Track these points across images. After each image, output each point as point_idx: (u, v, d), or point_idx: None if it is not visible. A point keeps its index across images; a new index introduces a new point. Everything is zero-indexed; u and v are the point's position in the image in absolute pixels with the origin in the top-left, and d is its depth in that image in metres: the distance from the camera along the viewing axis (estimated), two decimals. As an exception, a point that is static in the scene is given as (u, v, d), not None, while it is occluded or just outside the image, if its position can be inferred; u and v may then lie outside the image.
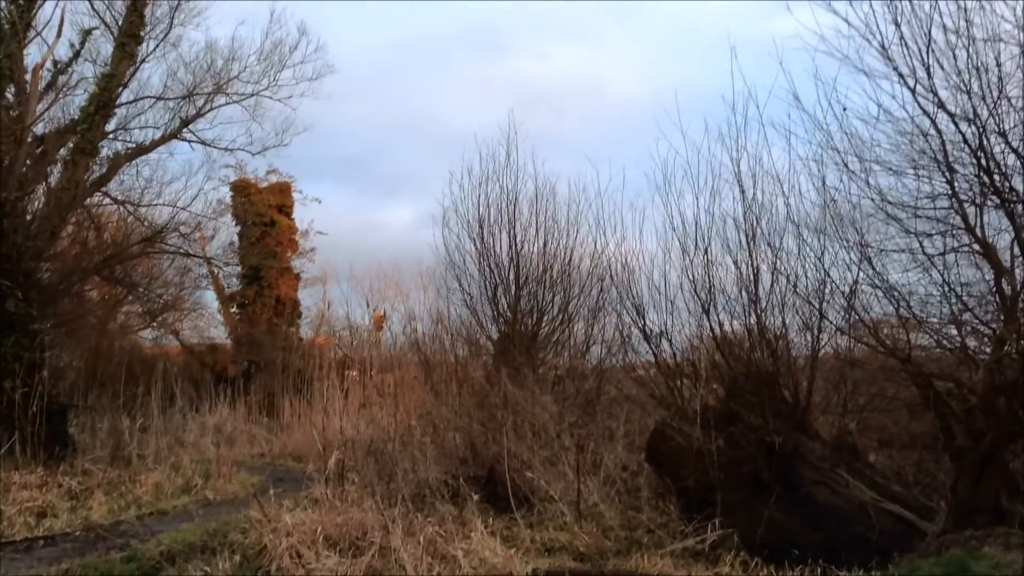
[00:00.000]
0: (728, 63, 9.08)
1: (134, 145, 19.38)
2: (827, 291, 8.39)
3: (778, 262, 8.79)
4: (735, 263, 9.05)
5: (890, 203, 7.66)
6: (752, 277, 8.86)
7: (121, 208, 19.78)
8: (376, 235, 37.52)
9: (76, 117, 16.58)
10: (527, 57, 40.24)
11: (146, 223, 19.95)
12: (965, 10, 6.85)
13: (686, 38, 37.08)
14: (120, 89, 17.16)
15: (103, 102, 16.07)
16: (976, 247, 7.17)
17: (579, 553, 7.52)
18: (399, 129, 43.67)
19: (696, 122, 9.57)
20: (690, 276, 9.47)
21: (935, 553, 6.44)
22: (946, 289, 7.41)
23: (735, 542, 7.30)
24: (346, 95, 38.49)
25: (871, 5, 7.32)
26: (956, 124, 7.00)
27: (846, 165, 7.90)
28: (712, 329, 9.28)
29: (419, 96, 42.60)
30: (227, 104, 20.54)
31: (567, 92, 39.33)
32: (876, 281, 7.84)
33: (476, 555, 6.88)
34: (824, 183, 8.26)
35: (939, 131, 7.15)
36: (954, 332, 7.58)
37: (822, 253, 8.36)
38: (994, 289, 7.13)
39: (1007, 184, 6.87)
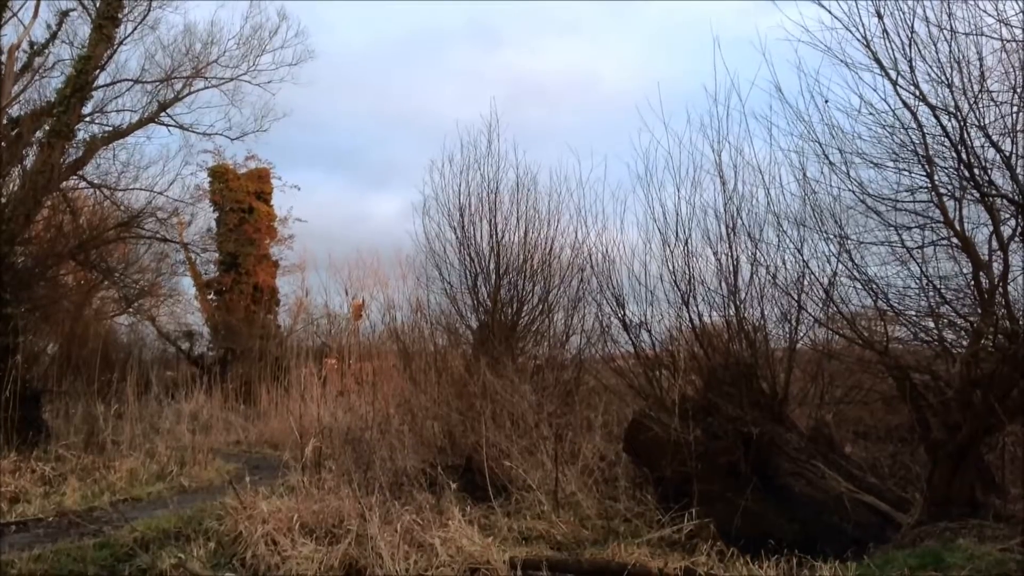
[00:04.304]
0: (714, 56, 9.08)
1: (111, 128, 19.17)
2: (806, 283, 8.42)
3: (758, 253, 8.83)
4: (715, 254, 9.10)
5: (870, 196, 7.68)
6: (732, 268, 8.90)
7: (97, 192, 19.56)
8: (364, 225, 37.51)
9: (52, 99, 16.28)
10: (522, 51, 40.17)
11: (122, 207, 19.75)
12: (948, 4, 6.87)
13: (679, 34, 37.17)
14: (97, 72, 16.84)
15: (80, 84, 15.79)
16: (955, 240, 7.19)
17: (556, 542, 7.53)
18: (393, 121, 43.58)
19: (679, 114, 9.57)
20: (670, 267, 9.49)
21: (910, 544, 6.50)
22: (924, 282, 7.45)
23: (712, 532, 7.29)
24: (341, 86, 38.23)
25: (855, -3, 7.33)
26: (937, 117, 7.02)
27: (827, 157, 7.90)
28: (691, 320, 9.32)
29: (414, 88, 42.55)
30: (205, 88, 20.39)
31: (561, 86, 39.30)
32: (855, 273, 7.87)
33: (453, 543, 6.85)
34: (805, 175, 8.28)
35: (920, 124, 7.17)
36: (931, 325, 7.62)
37: (801, 245, 8.40)
38: (972, 283, 7.16)
39: (986, 178, 6.89)
